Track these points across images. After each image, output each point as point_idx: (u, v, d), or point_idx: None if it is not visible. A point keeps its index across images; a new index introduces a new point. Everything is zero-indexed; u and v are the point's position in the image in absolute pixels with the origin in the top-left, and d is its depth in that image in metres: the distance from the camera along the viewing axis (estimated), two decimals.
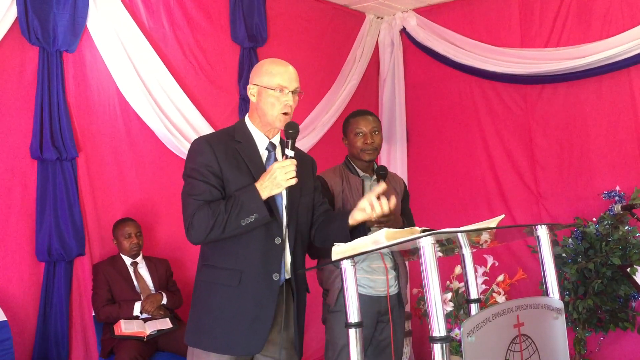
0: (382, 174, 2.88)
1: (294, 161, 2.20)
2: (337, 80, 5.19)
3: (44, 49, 3.53)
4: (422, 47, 5.36)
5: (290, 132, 2.25)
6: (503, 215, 2.30)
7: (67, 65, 3.68)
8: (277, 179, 2.18)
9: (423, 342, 5.00)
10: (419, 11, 5.40)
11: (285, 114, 2.31)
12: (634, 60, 4.28)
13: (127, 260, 3.81)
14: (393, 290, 2.89)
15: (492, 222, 2.18)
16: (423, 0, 5.24)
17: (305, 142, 4.81)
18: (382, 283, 2.85)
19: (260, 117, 2.34)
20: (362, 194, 2.92)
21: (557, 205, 4.72)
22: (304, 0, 5.00)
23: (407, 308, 5.20)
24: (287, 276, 2.34)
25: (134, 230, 3.79)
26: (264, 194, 2.19)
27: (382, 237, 1.99)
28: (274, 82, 2.29)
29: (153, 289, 3.83)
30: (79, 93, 3.75)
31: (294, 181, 2.19)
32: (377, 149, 2.96)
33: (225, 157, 2.26)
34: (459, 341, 3.83)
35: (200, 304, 2.31)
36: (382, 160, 5.58)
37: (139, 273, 3.82)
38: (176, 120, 4.05)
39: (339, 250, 2.09)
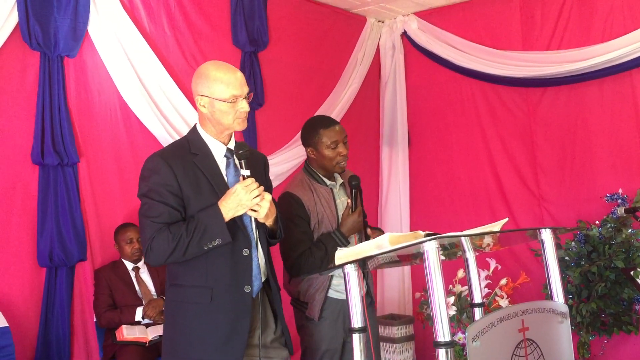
0: (355, 184, 2.83)
1: (253, 179, 2.19)
2: (339, 83, 5.19)
3: (45, 54, 3.52)
4: (423, 50, 5.36)
5: (241, 152, 2.23)
6: (507, 219, 2.30)
7: (68, 70, 3.67)
8: (243, 201, 2.15)
9: (426, 347, 4.98)
10: (420, 14, 5.40)
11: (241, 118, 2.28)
12: (636, 63, 4.28)
13: (129, 266, 3.80)
14: (365, 289, 2.89)
15: (496, 226, 2.17)
16: (424, 3, 5.24)
17: None
18: None
19: (214, 125, 2.29)
20: (334, 204, 2.89)
21: (560, 208, 4.71)
22: (305, 4, 5.00)
23: (409, 311, 5.19)
24: (264, 278, 2.33)
25: (135, 236, 3.78)
26: (228, 216, 2.16)
27: (385, 242, 1.98)
28: (227, 93, 2.21)
29: (155, 294, 3.81)
30: (80, 98, 3.74)
31: (258, 199, 2.17)
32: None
33: (184, 174, 2.21)
34: (462, 345, 3.82)
35: (173, 324, 2.27)
36: (384, 164, 5.58)
37: (141, 278, 3.81)
38: (178, 125, 4.04)
39: (342, 255, 2.08)
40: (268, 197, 2.22)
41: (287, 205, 2.81)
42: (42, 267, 3.52)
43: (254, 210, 2.20)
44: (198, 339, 2.21)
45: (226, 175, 2.29)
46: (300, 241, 2.76)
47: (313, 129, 2.92)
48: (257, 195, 2.17)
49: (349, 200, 2.85)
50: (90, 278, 3.72)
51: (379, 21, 5.58)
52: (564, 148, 4.71)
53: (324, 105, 5.03)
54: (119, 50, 3.79)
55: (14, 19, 3.40)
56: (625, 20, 4.39)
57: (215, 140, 2.31)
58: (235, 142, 2.33)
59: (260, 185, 2.20)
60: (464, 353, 3.80)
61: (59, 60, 3.59)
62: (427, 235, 1.94)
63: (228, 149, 2.32)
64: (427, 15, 5.37)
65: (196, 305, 2.22)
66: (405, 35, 5.49)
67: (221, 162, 2.31)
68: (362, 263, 2.83)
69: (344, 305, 2.70)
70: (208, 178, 2.24)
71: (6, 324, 3.26)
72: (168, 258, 2.16)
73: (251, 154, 2.30)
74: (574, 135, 4.66)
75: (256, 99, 4.52)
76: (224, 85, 2.22)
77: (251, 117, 4.38)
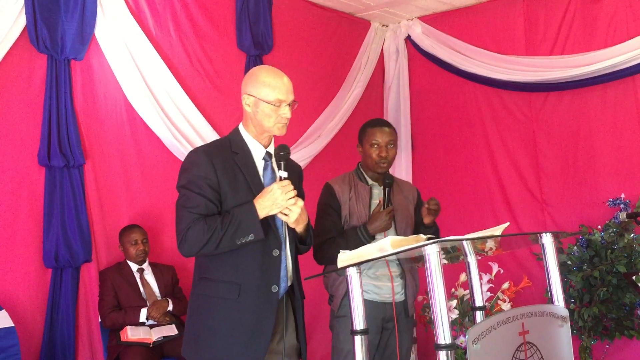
0: (388, 182, 2.88)
1: (289, 181, 2.23)
2: (342, 87, 5.21)
3: (52, 56, 3.56)
4: (427, 54, 5.38)
5: (282, 154, 2.28)
6: (508, 223, 2.31)
7: (75, 73, 3.71)
8: (278, 200, 2.19)
9: (428, 350, 4.99)
10: (424, 19, 5.42)
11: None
12: (639, 68, 4.28)
13: (134, 267, 3.83)
14: (399, 297, 2.89)
15: (497, 230, 2.19)
16: (428, 8, 5.26)
17: (310, 150, 4.82)
18: (388, 290, 2.86)
19: (255, 126, 2.34)
20: (369, 203, 2.93)
21: (562, 212, 4.72)
22: (310, 8, 5.03)
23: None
24: (289, 282, 2.35)
25: (140, 237, 3.81)
26: (262, 214, 2.20)
27: (387, 245, 2.00)
28: (273, 96, 2.27)
29: (159, 295, 3.84)
30: (87, 101, 3.78)
31: (293, 201, 2.21)
32: (391, 162, 2.96)
33: (223, 170, 2.25)
34: (464, 349, 3.83)
35: (199, 317, 2.29)
36: None
37: (145, 279, 3.84)
38: (182, 128, 4.08)
39: (344, 258, 2.11)
40: (300, 202, 2.25)
41: (323, 194, 2.95)
42: (47, 268, 3.55)
43: (285, 215, 2.24)
44: (222, 335, 2.23)
45: (263, 177, 2.34)
46: (327, 229, 2.85)
47: (363, 127, 3.05)
48: (292, 197, 2.21)
49: (381, 198, 2.90)
50: (95, 279, 3.75)
51: (383, 25, 5.61)
52: (566, 152, 4.72)
53: (327, 109, 5.05)
54: (125, 54, 3.83)
55: (21, 22, 3.44)
56: (628, 25, 4.40)
57: (255, 142, 2.35)
58: (277, 145, 2.37)
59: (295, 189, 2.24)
60: (466, 356, 3.81)
61: (66, 63, 3.62)
62: (429, 238, 1.96)
63: (267, 152, 2.37)
64: (431, 19, 5.39)
65: (223, 300, 2.24)
66: (409, 39, 5.51)
67: (259, 164, 2.35)
68: (402, 272, 2.85)
69: (368, 306, 2.67)
70: (246, 177, 2.28)
71: (12, 324, 3.29)
72: (201, 249, 2.19)
73: (289, 166, 2.35)
74: (576, 140, 4.67)
75: None
76: (270, 88, 2.28)
77: None
